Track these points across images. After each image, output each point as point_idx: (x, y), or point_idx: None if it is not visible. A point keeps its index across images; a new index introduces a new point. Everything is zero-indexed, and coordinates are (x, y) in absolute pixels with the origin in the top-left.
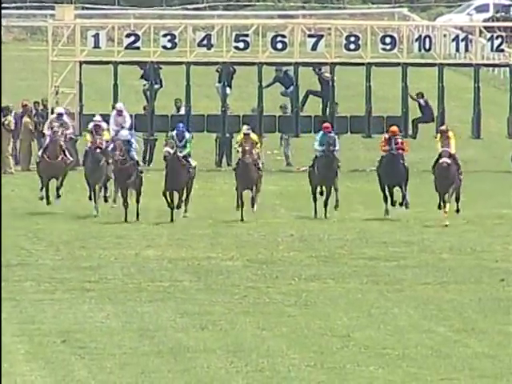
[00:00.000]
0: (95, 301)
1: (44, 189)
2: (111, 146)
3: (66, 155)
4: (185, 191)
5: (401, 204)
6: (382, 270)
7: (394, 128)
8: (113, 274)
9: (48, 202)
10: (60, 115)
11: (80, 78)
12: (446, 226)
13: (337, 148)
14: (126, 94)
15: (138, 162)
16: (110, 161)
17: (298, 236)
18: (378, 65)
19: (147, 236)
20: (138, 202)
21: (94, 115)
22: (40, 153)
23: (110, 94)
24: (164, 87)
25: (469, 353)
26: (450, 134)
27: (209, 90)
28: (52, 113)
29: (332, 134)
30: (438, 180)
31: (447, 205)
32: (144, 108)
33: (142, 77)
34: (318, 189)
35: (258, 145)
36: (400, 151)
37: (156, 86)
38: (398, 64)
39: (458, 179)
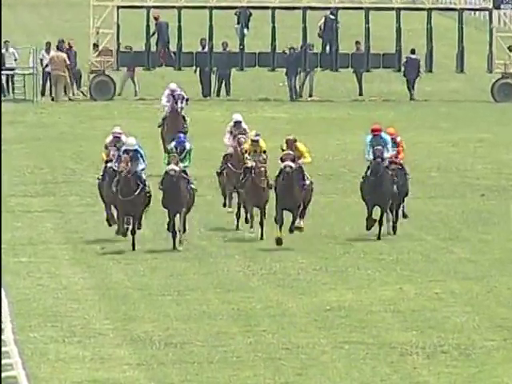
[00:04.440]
0: None
1: None
2: (115, 154)
3: None
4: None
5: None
6: None
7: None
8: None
9: None
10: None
11: (117, 20)
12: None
13: (387, 155)
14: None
15: (144, 180)
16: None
17: None
18: (375, 9)
19: None
20: (137, 228)
21: (130, 49)
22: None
23: (143, 33)
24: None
25: (454, 258)
26: (300, 145)
27: (229, 30)
28: (95, 47)
29: (383, 137)
30: (279, 195)
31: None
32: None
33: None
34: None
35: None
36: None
37: None
38: (392, 8)
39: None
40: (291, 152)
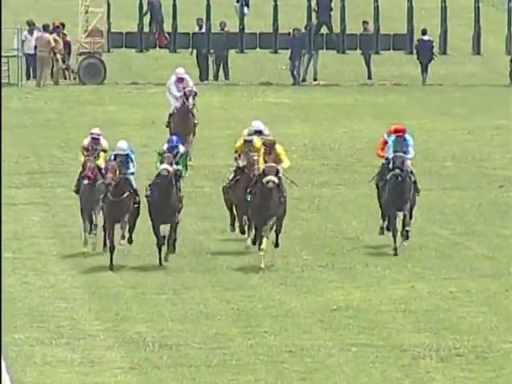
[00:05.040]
0: None
1: None
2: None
3: None
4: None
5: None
6: None
7: (399, 126)
8: (138, 181)
9: None
10: None
11: None
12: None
13: (409, 157)
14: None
15: (135, 189)
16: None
17: (311, 145)
18: None
19: None
20: (129, 241)
21: (121, 33)
22: None
23: (136, 13)
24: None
25: (469, 254)
26: (278, 148)
27: (227, 9)
28: (85, 32)
29: (407, 139)
30: (255, 209)
31: (264, 240)
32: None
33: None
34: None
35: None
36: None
37: None
38: None
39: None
40: (274, 164)
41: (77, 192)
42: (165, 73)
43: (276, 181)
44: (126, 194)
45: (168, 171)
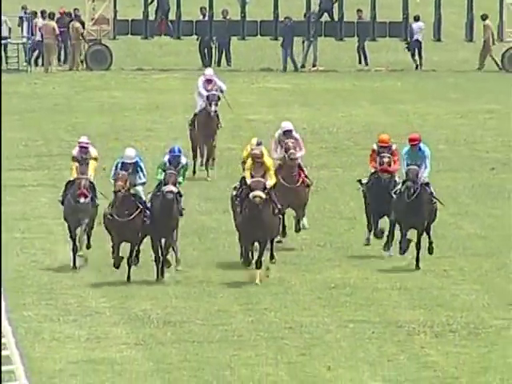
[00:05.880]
0: None
1: None
2: (112, 172)
3: None
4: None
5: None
6: None
7: (383, 137)
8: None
9: None
10: None
11: None
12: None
13: (425, 174)
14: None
15: (144, 202)
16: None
17: (310, 129)
18: None
19: (175, 128)
20: (134, 262)
21: (126, 20)
22: None
23: (141, 1)
24: None
25: (462, 234)
26: (266, 159)
27: None
28: (91, 20)
29: (422, 149)
30: (243, 226)
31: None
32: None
33: None
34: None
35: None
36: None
37: None
38: None
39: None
40: (262, 179)
41: (62, 203)
42: (169, 59)
43: (263, 196)
44: (134, 214)
45: (172, 193)
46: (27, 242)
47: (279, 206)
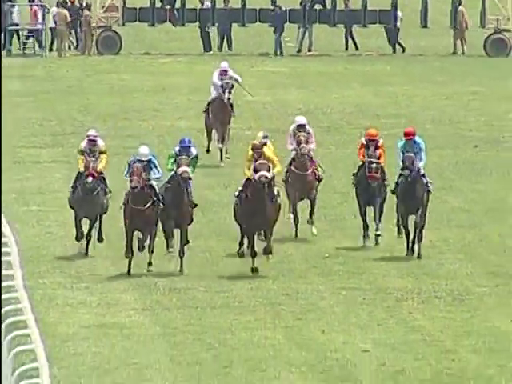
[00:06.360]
0: None
1: None
2: (126, 170)
3: None
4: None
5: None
6: None
7: (371, 131)
8: (150, 142)
9: None
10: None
11: None
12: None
13: (421, 164)
14: None
15: (158, 195)
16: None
17: (305, 110)
18: None
19: (179, 108)
20: (150, 250)
21: (135, 8)
22: None
23: None
24: None
25: (447, 207)
26: (268, 151)
27: None
28: (102, 8)
29: (417, 142)
30: (242, 217)
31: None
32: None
33: None
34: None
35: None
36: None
37: None
38: None
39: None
40: (265, 161)
41: (73, 193)
42: (174, 44)
43: (269, 176)
44: (148, 204)
45: (188, 172)
46: (42, 215)
47: (277, 197)
